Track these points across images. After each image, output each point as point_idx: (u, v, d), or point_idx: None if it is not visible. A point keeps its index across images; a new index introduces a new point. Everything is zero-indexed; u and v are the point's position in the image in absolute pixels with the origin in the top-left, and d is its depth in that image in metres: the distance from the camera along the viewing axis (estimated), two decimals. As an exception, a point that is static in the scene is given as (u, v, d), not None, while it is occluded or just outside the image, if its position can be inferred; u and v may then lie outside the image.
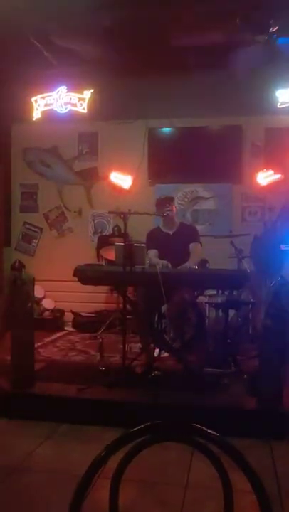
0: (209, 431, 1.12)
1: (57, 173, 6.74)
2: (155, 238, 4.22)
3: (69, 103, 6.48)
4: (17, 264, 6.39)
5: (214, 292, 4.49)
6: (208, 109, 6.07)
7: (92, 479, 1.12)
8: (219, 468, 1.17)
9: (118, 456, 1.20)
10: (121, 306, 4.41)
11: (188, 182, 6.32)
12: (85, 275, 3.79)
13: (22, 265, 6.21)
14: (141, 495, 2.41)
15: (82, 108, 6.45)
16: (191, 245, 4.16)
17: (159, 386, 3.57)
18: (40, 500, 2.38)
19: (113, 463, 1.20)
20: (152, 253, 4.11)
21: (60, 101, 6.49)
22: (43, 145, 6.71)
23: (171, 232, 4.24)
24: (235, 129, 6.21)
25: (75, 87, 6.45)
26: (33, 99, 6.54)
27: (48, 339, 5.40)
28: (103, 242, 6.16)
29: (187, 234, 4.24)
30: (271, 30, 4.79)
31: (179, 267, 3.90)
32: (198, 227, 4.80)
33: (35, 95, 6.53)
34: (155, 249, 4.13)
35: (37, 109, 6.56)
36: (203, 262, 4.38)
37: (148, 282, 3.68)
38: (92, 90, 6.40)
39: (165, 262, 3.86)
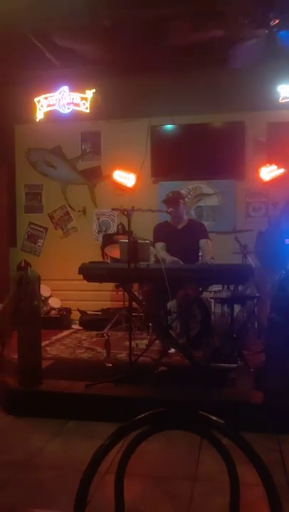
0: (214, 418, 1.12)
1: (61, 173, 6.77)
2: (163, 232, 4.23)
3: (71, 103, 6.52)
4: (23, 263, 6.43)
5: (219, 287, 4.49)
6: (210, 105, 6.08)
7: (97, 468, 1.13)
8: (226, 457, 1.18)
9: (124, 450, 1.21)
10: (127, 303, 4.42)
11: (192, 179, 6.33)
12: (90, 273, 3.81)
13: (28, 265, 6.25)
14: (149, 489, 2.42)
15: (85, 108, 6.48)
16: (202, 241, 4.16)
17: (166, 382, 3.59)
18: (48, 496, 2.40)
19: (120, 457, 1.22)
20: (160, 246, 4.11)
21: (62, 101, 6.53)
22: (46, 145, 6.75)
23: (179, 228, 4.24)
24: (237, 124, 6.21)
25: (78, 87, 6.48)
26: (35, 100, 6.58)
27: (55, 337, 5.43)
28: (108, 240, 6.18)
29: (196, 230, 4.24)
30: (272, 24, 4.77)
31: (198, 263, 3.90)
32: (203, 224, 4.80)
33: (38, 96, 6.57)
34: (163, 242, 4.13)
35: (40, 109, 6.60)
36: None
37: (153, 278, 3.69)
38: (94, 90, 6.43)
39: (176, 258, 3.86)
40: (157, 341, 4.16)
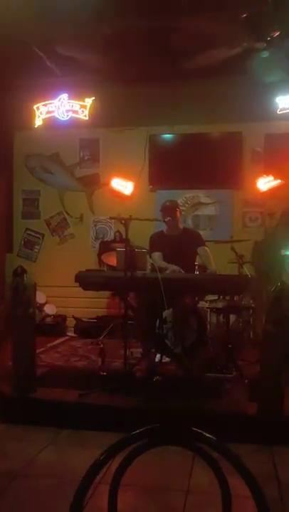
0: (208, 435, 1.14)
1: (59, 180, 6.79)
2: (159, 241, 4.24)
3: (70, 110, 6.55)
4: (19, 269, 6.42)
5: (215, 297, 4.50)
6: (208, 115, 6.13)
7: (92, 482, 1.14)
8: (218, 472, 1.19)
9: (119, 462, 1.22)
10: (122, 311, 4.42)
11: (189, 188, 6.35)
12: (87, 281, 3.82)
13: (24, 271, 6.24)
14: (142, 500, 2.42)
15: (84, 115, 6.51)
16: (200, 249, 4.18)
17: (160, 391, 3.59)
18: (42, 506, 2.39)
19: (114, 468, 1.22)
20: (156, 255, 4.12)
21: (61, 108, 6.56)
22: (45, 152, 6.76)
23: (175, 237, 4.26)
24: (235, 135, 6.25)
25: (77, 94, 6.51)
26: (35, 107, 6.61)
27: (50, 345, 5.41)
28: (104, 247, 6.19)
29: (191, 239, 4.26)
30: (271, 36, 4.82)
31: (208, 272, 3.93)
32: (199, 233, 4.82)
33: (38, 103, 6.59)
34: (159, 252, 4.14)
35: (39, 116, 6.63)
36: (204, 268, 4.41)
37: (149, 287, 3.70)
38: (93, 98, 6.46)
39: (176, 267, 3.88)
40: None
